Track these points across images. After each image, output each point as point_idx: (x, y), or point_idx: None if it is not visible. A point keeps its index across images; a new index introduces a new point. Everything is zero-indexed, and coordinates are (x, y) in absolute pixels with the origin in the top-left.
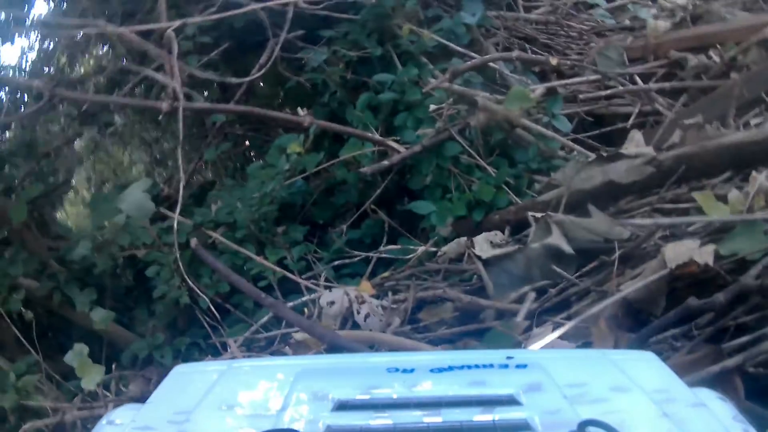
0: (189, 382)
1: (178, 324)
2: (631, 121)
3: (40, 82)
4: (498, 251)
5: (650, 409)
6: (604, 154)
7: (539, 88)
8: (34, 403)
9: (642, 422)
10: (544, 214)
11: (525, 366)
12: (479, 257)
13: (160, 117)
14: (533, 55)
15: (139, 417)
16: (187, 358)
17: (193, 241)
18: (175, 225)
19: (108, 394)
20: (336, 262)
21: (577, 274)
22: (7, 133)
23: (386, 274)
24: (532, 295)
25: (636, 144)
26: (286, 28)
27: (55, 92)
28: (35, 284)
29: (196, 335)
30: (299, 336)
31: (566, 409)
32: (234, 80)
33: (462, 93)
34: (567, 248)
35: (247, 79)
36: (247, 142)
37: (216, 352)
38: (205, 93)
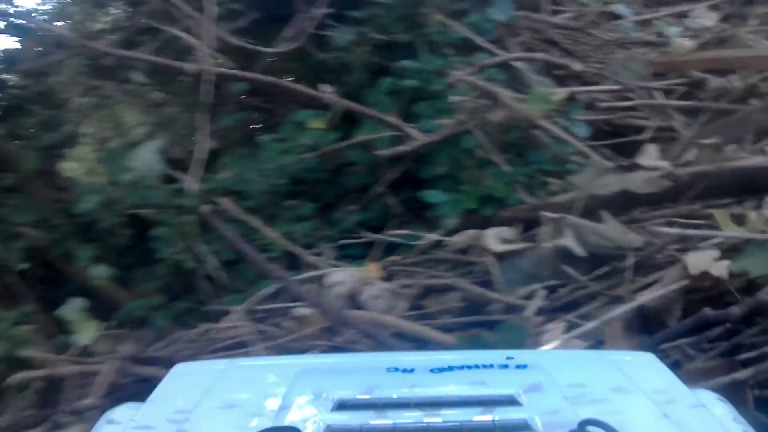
0: (188, 381)
1: (175, 288)
2: (646, 135)
3: (67, 30)
4: (510, 246)
5: (650, 409)
6: (623, 164)
7: (561, 92)
8: (26, 353)
9: (642, 423)
10: (558, 215)
11: (525, 366)
12: (490, 250)
13: (180, 78)
14: (557, 59)
15: (139, 416)
16: (182, 323)
17: (206, 208)
18: (196, 186)
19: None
20: (341, 242)
21: (588, 277)
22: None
23: (395, 258)
24: (543, 292)
25: (650, 157)
26: (314, 4)
27: (82, 43)
28: (36, 234)
29: (192, 301)
30: (301, 311)
31: (566, 410)
32: (267, 49)
33: (484, 88)
34: (579, 251)
35: (278, 50)
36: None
37: (210, 319)
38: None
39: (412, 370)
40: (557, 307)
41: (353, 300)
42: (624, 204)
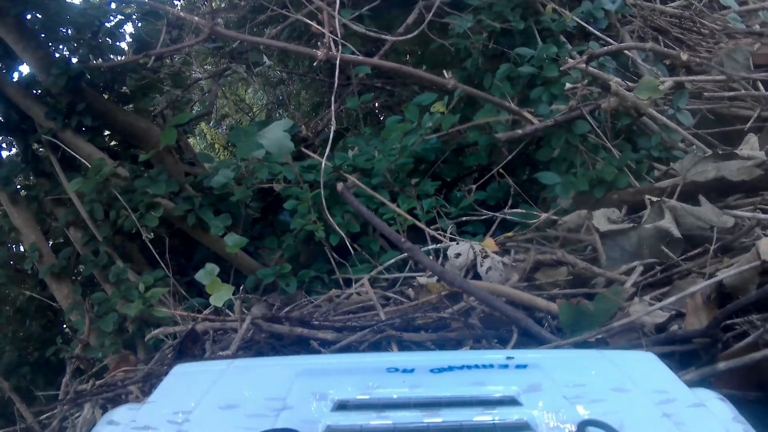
0: (189, 381)
1: (301, 258)
2: (749, 125)
3: (201, 18)
4: (614, 227)
5: (650, 409)
6: (720, 152)
7: (668, 81)
8: (161, 313)
9: (642, 422)
10: (659, 198)
11: (525, 366)
12: (597, 230)
13: (306, 61)
14: (666, 48)
15: (139, 417)
16: (310, 290)
17: (339, 185)
18: (323, 164)
19: (231, 314)
20: (462, 219)
21: (682, 257)
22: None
23: (509, 234)
24: (640, 269)
25: (751, 147)
26: None
27: (215, 30)
28: (171, 205)
29: (320, 269)
30: (423, 280)
31: (566, 410)
32: (389, 37)
33: (597, 76)
34: (676, 232)
35: (401, 38)
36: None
37: (336, 287)
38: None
39: (412, 371)
40: (651, 283)
41: (472, 271)
42: (719, 190)
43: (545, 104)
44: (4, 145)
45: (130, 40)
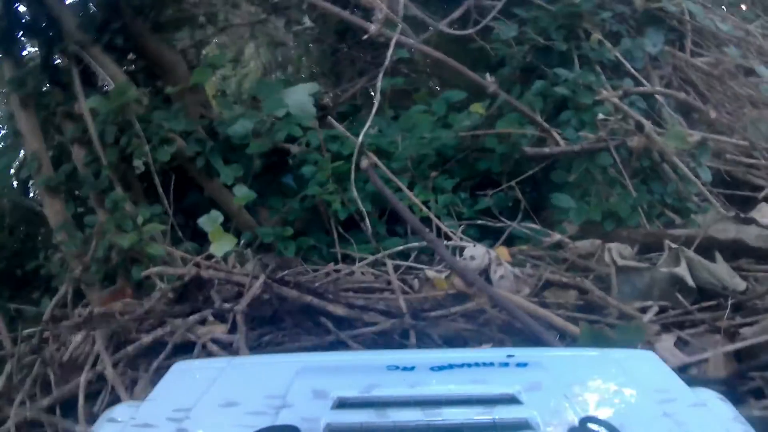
0: (189, 378)
1: (297, 224)
2: (763, 194)
3: None
4: (631, 263)
5: (650, 408)
6: (742, 216)
7: (696, 136)
8: (155, 250)
9: (642, 422)
10: (678, 246)
11: (525, 365)
12: (615, 263)
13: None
14: (697, 103)
15: (139, 414)
16: (306, 258)
17: (365, 161)
18: (360, 139)
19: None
20: (475, 222)
21: (694, 306)
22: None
23: (523, 247)
24: (655, 308)
25: (762, 215)
26: None
27: None
28: (184, 144)
29: (320, 240)
30: (431, 274)
31: (566, 409)
32: (441, 27)
33: (629, 114)
34: (690, 282)
35: (451, 31)
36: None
37: (334, 261)
38: None
39: (412, 369)
40: (665, 325)
41: (483, 276)
42: (735, 251)
43: (573, 129)
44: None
45: None
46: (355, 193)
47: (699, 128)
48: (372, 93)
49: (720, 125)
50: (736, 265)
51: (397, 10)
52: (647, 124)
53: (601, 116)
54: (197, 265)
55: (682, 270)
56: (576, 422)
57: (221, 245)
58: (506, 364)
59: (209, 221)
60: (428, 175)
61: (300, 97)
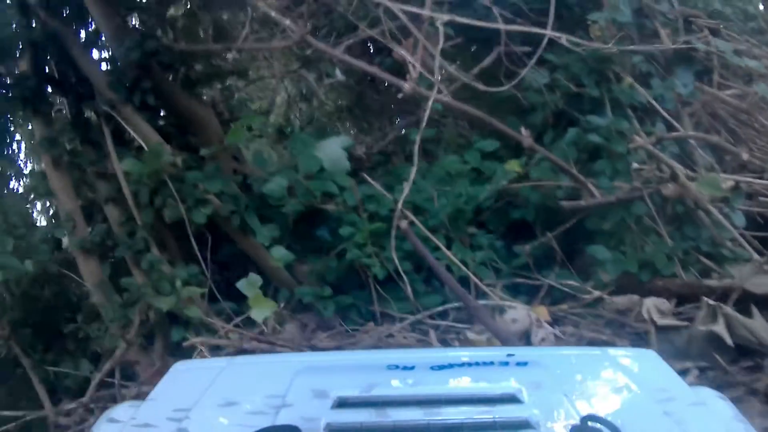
0: (189, 379)
1: (343, 282)
2: None
3: (294, 22)
4: (669, 321)
5: (651, 407)
6: None
7: (729, 181)
8: (194, 313)
9: (642, 421)
10: (715, 303)
11: (525, 364)
12: (653, 321)
13: (400, 95)
14: (729, 145)
15: (139, 414)
16: (345, 318)
17: (403, 223)
18: (400, 204)
19: (266, 328)
20: (512, 280)
21: (733, 366)
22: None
23: (563, 306)
24: (695, 371)
25: None
26: (514, 40)
27: (306, 38)
28: (220, 204)
29: (359, 298)
30: (472, 336)
31: (567, 408)
32: (478, 86)
33: (663, 160)
34: (729, 341)
35: (490, 89)
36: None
37: (374, 320)
38: None
39: (412, 368)
40: (703, 383)
41: (524, 338)
42: None
43: (607, 177)
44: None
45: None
46: (393, 254)
47: (731, 169)
48: (402, 139)
49: (752, 164)
50: None
51: (430, 65)
52: (681, 172)
53: (635, 165)
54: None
55: (720, 328)
56: (577, 421)
57: (261, 311)
58: (506, 363)
59: (249, 286)
60: (465, 230)
61: (333, 151)
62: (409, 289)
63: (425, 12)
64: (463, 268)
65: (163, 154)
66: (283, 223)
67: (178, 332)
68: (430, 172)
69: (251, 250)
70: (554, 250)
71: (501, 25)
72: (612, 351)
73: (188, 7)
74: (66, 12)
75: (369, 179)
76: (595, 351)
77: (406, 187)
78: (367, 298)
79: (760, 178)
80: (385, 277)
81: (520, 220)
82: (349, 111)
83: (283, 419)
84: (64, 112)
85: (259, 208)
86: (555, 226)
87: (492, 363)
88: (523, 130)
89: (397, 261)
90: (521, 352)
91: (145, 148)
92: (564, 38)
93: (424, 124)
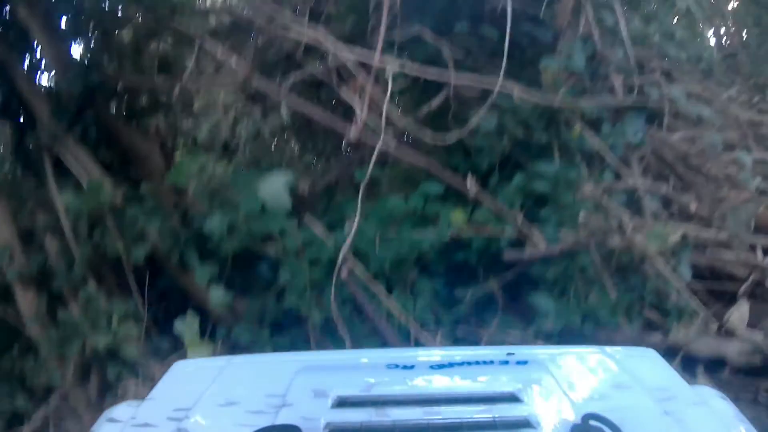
0: (189, 378)
1: (278, 322)
2: (742, 290)
3: (241, 61)
4: None
5: (651, 406)
6: (723, 327)
7: (677, 233)
8: (131, 352)
9: (643, 420)
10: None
11: (526, 363)
12: None
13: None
14: (677, 196)
15: (139, 414)
16: None
17: (345, 271)
18: (342, 253)
19: None
20: (453, 326)
21: None
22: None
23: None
24: None
25: (741, 316)
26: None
27: (251, 79)
28: (157, 240)
29: (297, 340)
30: None
31: (567, 407)
32: (426, 136)
33: (611, 212)
34: None
35: (439, 142)
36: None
37: None
38: None
39: (412, 367)
40: None
41: None
42: (719, 365)
43: (553, 226)
44: None
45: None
46: (333, 303)
47: (680, 216)
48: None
49: (701, 214)
50: (718, 380)
51: (379, 107)
52: (628, 224)
53: (582, 217)
54: None
55: None
56: (576, 420)
57: (198, 353)
58: (506, 362)
59: (186, 328)
60: (406, 276)
61: (275, 189)
62: (347, 337)
63: (374, 62)
64: (404, 315)
65: (102, 189)
66: (223, 259)
67: (113, 370)
68: (373, 211)
69: (190, 286)
70: (497, 294)
71: (451, 73)
72: (612, 350)
73: (133, 38)
74: (10, 36)
75: (311, 222)
76: (595, 350)
77: (349, 236)
78: (306, 340)
79: (709, 227)
80: (325, 318)
81: (463, 262)
82: (295, 140)
83: (283, 419)
84: (5, 138)
85: (199, 243)
86: (499, 271)
87: (492, 362)
88: (469, 179)
89: (336, 308)
90: (521, 351)
91: (84, 183)
92: (515, 90)
93: (370, 168)
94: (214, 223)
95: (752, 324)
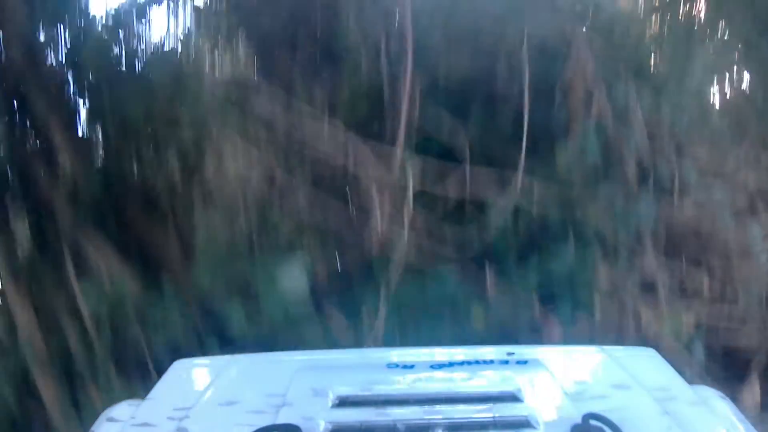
0: (188, 377)
1: None
2: (754, 365)
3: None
4: None
5: (651, 406)
6: None
7: (690, 320)
8: None
9: (643, 420)
10: None
11: (525, 362)
12: None
13: None
14: (689, 271)
15: (139, 413)
16: None
17: None
18: None
19: None
20: None
21: None
22: None
23: None
24: None
25: (753, 397)
26: None
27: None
28: (178, 329)
29: None
30: None
31: (567, 407)
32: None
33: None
34: None
35: None
36: None
37: None
38: None
39: (412, 366)
40: None
41: None
42: None
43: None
44: None
45: None
46: None
47: (692, 295)
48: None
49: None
50: None
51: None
52: (643, 314)
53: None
54: None
55: None
56: (576, 420)
57: None
58: (506, 362)
59: None
60: None
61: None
62: None
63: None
64: None
65: (124, 285)
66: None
67: None
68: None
69: None
70: None
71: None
72: (612, 349)
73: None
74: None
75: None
76: (595, 349)
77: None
78: None
79: (722, 302)
80: None
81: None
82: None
83: (283, 418)
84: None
85: (220, 332)
86: None
87: (492, 361)
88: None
89: None
90: (521, 351)
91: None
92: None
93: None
94: (235, 314)
95: (765, 403)
